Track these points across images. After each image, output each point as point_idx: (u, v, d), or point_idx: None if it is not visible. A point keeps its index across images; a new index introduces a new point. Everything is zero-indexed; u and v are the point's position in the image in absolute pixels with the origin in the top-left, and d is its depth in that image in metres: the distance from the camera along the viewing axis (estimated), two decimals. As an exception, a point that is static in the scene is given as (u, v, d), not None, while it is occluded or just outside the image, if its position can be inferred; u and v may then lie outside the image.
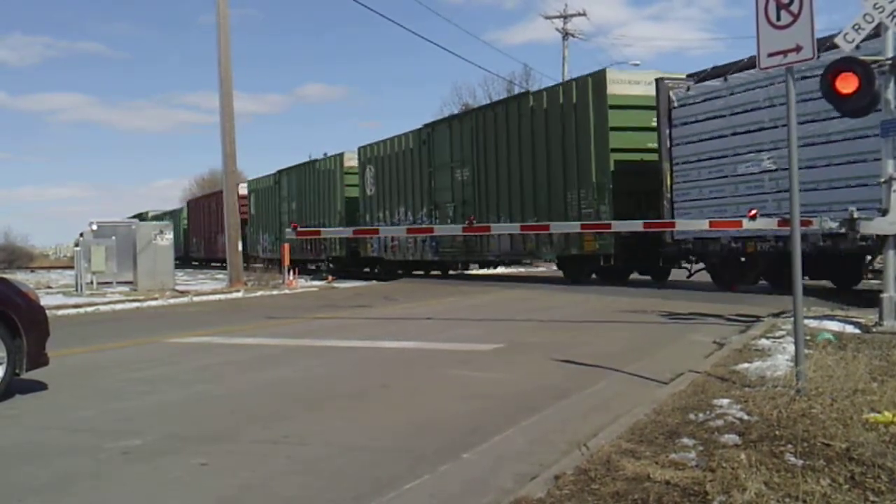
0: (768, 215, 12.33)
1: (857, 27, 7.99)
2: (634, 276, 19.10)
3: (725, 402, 5.24)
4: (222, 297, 19.51)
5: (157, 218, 54.77)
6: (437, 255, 23.93)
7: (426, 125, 24.46)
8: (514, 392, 6.48)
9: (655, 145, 16.14)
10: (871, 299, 9.39)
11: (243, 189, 36.86)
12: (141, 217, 59.00)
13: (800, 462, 3.90)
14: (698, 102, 15.12)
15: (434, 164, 23.47)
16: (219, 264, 40.99)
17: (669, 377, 6.52)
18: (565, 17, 39.97)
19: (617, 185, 17.01)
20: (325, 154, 30.89)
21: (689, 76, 16.09)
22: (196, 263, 48.41)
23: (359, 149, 28.40)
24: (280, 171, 34.60)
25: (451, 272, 29.33)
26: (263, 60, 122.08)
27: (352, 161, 28.77)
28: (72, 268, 26.95)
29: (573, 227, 16.33)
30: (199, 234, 47.16)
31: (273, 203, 35.24)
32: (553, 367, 7.53)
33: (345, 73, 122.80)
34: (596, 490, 3.69)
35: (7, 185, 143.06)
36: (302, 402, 6.31)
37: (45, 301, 8.31)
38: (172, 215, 53.75)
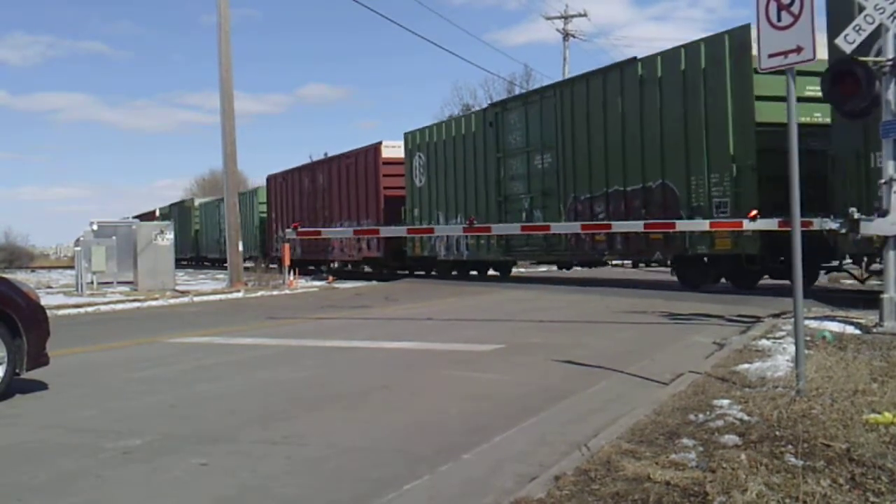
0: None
1: (857, 28, 7.99)
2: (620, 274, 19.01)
3: (726, 402, 5.24)
4: (223, 297, 19.51)
5: (209, 206, 43.07)
6: None
7: None
8: (515, 393, 6.48)
9: None
10: (872, 300, 9.38)
11: (394, 150, 24.79)
12: (180, 206, 49.77)
13: (800, 463, 3.89)
14: None
15: None
16: (328, 269, 27.90)
17: (670, 378, 6.52)
18: (566, 17, 39.99)
19: None
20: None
21: None
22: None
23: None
24: (500, 104, 20.62)
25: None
26: (265, 60, 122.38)
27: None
28: (72, 268, 26.97)
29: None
30: (289, 222, 31.02)
31: (473, 163, 21.00)
32: (553, 368, 7.52)
33: (346, 73, 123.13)
34: (596, 490, 3.68)
35: (8, 185, 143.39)
36: (302, 403, 6.30)
37: (45, 301, 8.31)
38: (243, 199, 36.48)
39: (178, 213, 49.31)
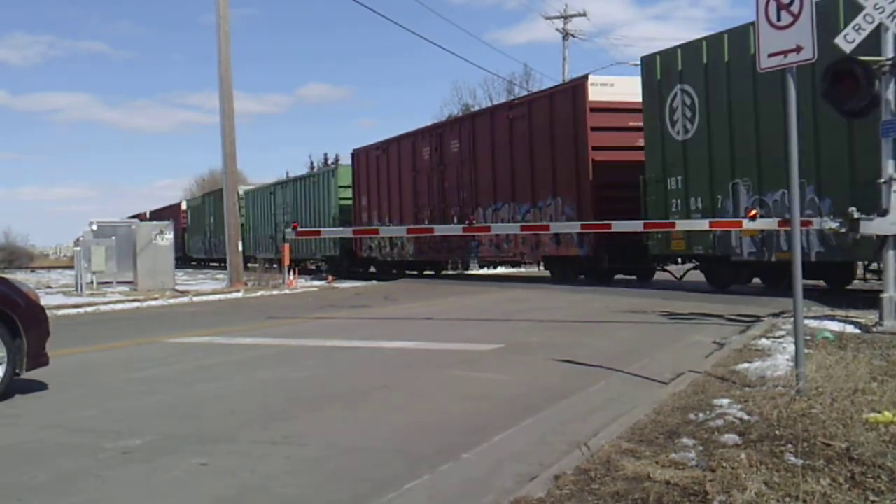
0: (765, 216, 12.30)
1: (857, 27, 7.99)
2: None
3: (725, 402, 5.24)
4: (222, 297, 19.50)
5: (259, 195, 35.24)
6: None
7: None
8: (514, 392, 6.48)
9: None
10: (872, 300, 9.38)
11: (607, 90, 17.03)
12: (216, 196, 37.06)
13: (800, 462, 3.89)
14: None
15: None
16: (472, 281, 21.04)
17: (669, 377, 6.52)
18: (565, 17, 39.97)
19: None
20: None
21: None
22: (404, 272, 25.12)
23: None
24: None
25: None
26: (265, 60, 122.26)
27: None
28: (72, 268, 26.94)
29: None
30: (393, 210, 23.88)
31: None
32: (553, 368, 7.52)
33: (346, 73, 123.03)
34: (596, 490, 3.68)
35: (8, 185, 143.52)
36: (302, 403, 6.30)
37: (45, 301, 8.31)
38: (315, 183, 29.53)
39: (212, 204, 39.81)
